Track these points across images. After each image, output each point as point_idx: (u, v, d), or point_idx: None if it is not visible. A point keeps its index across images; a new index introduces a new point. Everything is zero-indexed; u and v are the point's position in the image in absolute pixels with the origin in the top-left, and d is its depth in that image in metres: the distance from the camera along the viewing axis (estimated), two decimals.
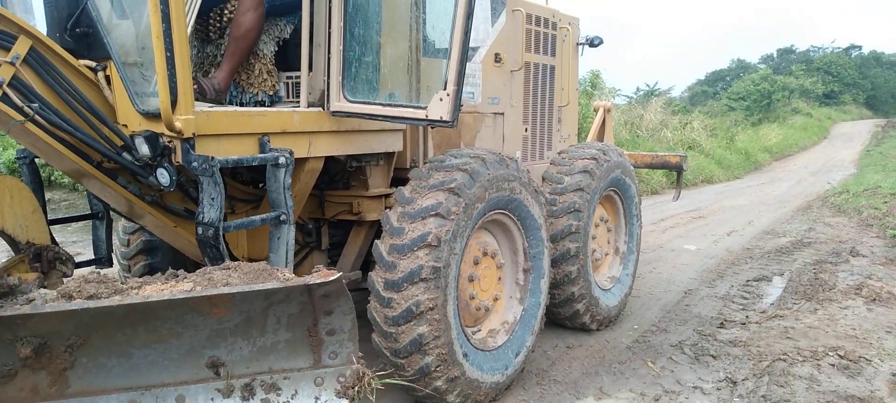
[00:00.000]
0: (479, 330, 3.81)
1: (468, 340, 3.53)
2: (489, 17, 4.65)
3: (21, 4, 3.44)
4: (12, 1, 3.45)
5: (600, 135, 6.46)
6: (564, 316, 4.67)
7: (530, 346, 3.96)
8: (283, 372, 2.31)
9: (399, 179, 3.87)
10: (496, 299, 3.90)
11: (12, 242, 2.41)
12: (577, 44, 5.70)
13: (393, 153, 3.85)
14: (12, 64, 2.54)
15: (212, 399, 2.24)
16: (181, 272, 2.23)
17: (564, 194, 4.49)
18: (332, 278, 2.13)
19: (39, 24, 3.07)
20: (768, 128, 27.38)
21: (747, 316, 5.39)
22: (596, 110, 6.60)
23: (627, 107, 20.60)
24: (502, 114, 4.82)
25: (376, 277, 3.23)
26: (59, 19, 2.92)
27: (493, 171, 3.54)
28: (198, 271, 2.22)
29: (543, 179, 4.69)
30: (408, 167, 3.99)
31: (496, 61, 4.66)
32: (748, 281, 6.60)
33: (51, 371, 2.12)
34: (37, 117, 2.61)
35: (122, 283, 2.11)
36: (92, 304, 2.00)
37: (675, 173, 7.32)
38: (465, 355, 3.44)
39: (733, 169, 18.22)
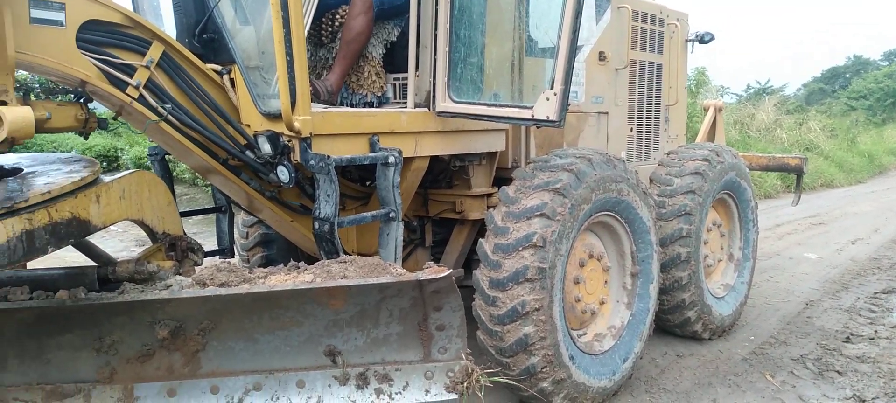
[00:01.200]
0: (585, 334, 3.73)
1: (574, 343, 3.46)
2: (593, 15, 4.56)
3: (152, 11, 3.73)
4: (144, 8, 3.76)
5: (711, 136, 6.16)
6: (675, 323, 4.49)
7: (638, 352, 3.84)
8: (394, 364, 2.36)
9: (501, 179, 3.87)
10: (602, 303, 3.80)
11: (150, 232, 2.60)
12: (686, 40, 5.47)
13: (495, 153, 3.85)
14: (147, 67, 2.74)
15: (329, 386, 2.32)
16: (302, 264, 2.33)
17: (674, 197, 4.32)
18: (442, 274, 2.16)
19: (169, 30, 3.32)
20: (894, 129, 25.12)
21: (876, 331, 4.97)
22: (706, 109, 6.31)
23: (737, 105, 19.54)
24: (606, 113, 4.71)
25: (481, 275, 3.24)
26: (187, 25, 3.14)
27: (599, 172, 3.46)
28: (317, 264, 2.32)
29: (651, 181, 4.53)
30: (510, 167, 3.97)
31: (600, 59, 4.56)
32: (876, 293, 6.07)
33: (184, 352, 2.28)
34: (170, 117, 2.80)
35: (250, 273, 2.23)
36: (223, 291, 2.13)
37: (794, 176, 6.87)
38: (572, 357, 3.38)
39: (856, 172, 16.86)
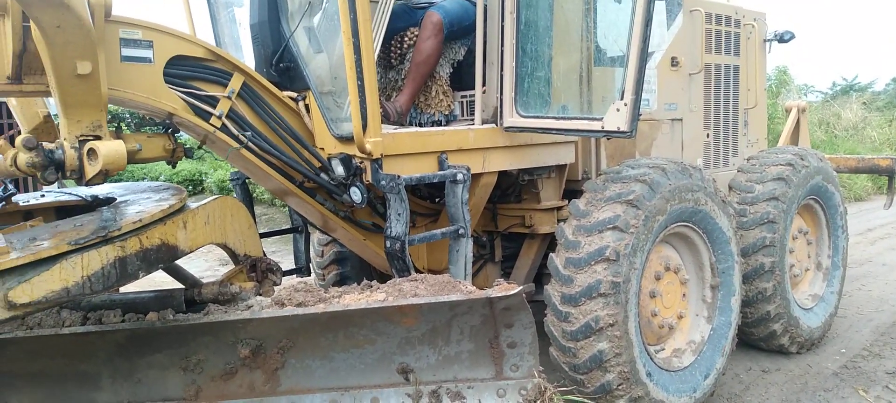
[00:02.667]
0: (663, 349, 3.62)
1: (651, 359, 3.37)
2: (664, 20, 4.46)
3: (232, 43, 3.93)
4: (225, 41, 3.96)
5: (794, 138, 5.88)
6: (759, 336, 4.29)
7: (721, 368, 3.69)
8: (466, 382, 2.37)
9: (571, 192, 3.83)
10: (681, 317, 3.68)
11: (232, 254, 2.73)
12: (765, 40, 5.25)
13: (565, 165, 3.82)
14: (229, 98, 2.89)
15: None
16: (375, 283, 2.39)
17: (756, 204, 4.14)
18: (512, 291, 2.16)
19: (248, 61, 3.49)
20: None
21: None
22: (788, 110, 6.02)
23: (821, 105, 18.48)
24: (680, 120, 4.58)
25: (553, 291, 3.20)
26: (265, 56, 3.28)
27: (674, 182, 3.36)
28: (389, 282, 2.37)
29: (731, 188, 4.37)
30: (580, 179, 3.93)
31: (673, 65, 4.44)
32: None
33: (265, 370, 2.38)
34: (250, 144, 2.94)
35: (325, 293, 2.31)
36: (300, 311, 2.21)
37: (886, 178, 6.44)
38: (649, 374, 3.29)
39: None
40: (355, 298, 2.22)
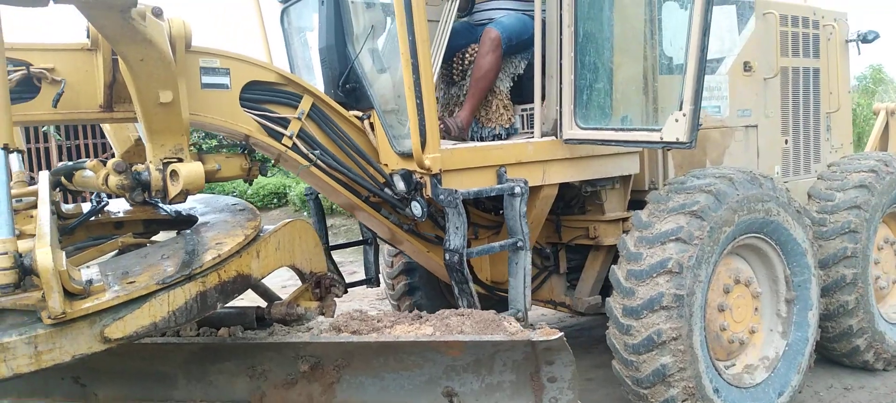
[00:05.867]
0: (733, 365, 3.51)
1: (719, 375, 3.28)
2: (735, 25, 4.34)
3: (305, 66, 4.14)
4: (298, 64, 4.18)
5: (883, 143, 5.53)
6: (841, 352, 4.07)
7: (796, 386, 3.54)
8: None
9: (638, 202, 3.78)
10: (753, 332, 3.56)
11: (299, 273, 2.91)
12: (847, 41, 5.00)
13: (629, 176, 3.78)
14: (299, 119, 3.07)
15: None
16: (425, 314, 2.51)
17: (836, 213, 3.95)
18: (554, 337, 2.25)
19: (319, 83, 3.68)
20: None
21: None
22: (876, 113, 5.68)
23: None
24: (755, 126, 4.43)
25: (615, 303, 3.19)
26: (332, 78, 3.46)
27: (742, 192, 3.27)
28: (437, 314, 2.49)
29: (810, 197, 4.18)
30: (647, 189, 3.87)
31: (746, 70, 4.31)
32: None
33: (322, 383, 2.54)
34: (318, 162, 3.10)
35: (378, 322, 2.46)
36: (354, 339, 2.40)
37: None
38: (717, 390, 3.20)
39: None
40: (405, 329, 2.37)
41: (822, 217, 3.96)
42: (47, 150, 11.70)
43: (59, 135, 11.71)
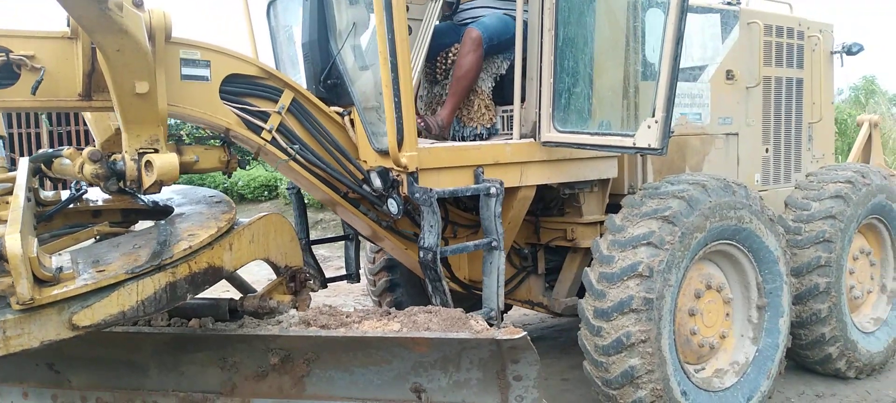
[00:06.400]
0: (703, 369, 3.56)
1: (688, 378, 3.33)
2: (719, 33, 4.38)
3: (290, 62, 4.17)
4: (284, 59, 4.21)
5: (866, 154, 5.59)
6: (813, 360, 4.13)
7: (766, 391, 3.59)
8: None
9: (617, 206, 3.82)
10: (723, 337, 3.61)
11: (274, 267, 2.94)
12: (832, 52, 5.05)
13: (607, 179, 3.82)
14: (279, 113, 3.09)
15: None
16: (393, 311, 2.54)
17: (811, 222, 4.00)
18: (518, 336, 2.28)
19: (302, 79, 3.70)
20: None
21: None
22: (860, 124, 5.73)
23: None
24: (736, 134, 4.48)
25: (586, 305, 3.23)
26: (314, 73, 3.48)
27: (715, 199, 3.32)
28: (405, 311, 2.52)
29: (787, 205, 4.23)
30: (625, 193, 3.91)
31: (728, 78, 4.36)
32: None
33: (292, 376, 2.57)
34: (297, 157, 3.13)
35: (347, 317, 2.49)
36: (323, 333, 2.42)
37: None
38: (685, 393, 3.25)
39: None
40: (373, 325, 2.40)
41: (797, 225, 4.02)
42: (38, 135, 11.70)
43: (50, 123, 11.70)
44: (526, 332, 2.31)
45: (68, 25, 2.52)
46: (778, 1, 4.90)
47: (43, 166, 2.99)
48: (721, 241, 3.42)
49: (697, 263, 3.42)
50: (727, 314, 3.61)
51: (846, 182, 4.10)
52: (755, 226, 3.48)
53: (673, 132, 3.32)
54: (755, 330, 3.65)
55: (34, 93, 2.50)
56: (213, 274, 2.49)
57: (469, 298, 3.91)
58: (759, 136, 4.62)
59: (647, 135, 2.97)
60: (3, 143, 3.15)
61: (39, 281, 2.05)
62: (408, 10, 3.71)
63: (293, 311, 2.63)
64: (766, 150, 4.68)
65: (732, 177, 4.31)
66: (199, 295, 2.54)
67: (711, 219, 3.29)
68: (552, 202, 3.95)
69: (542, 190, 3.66)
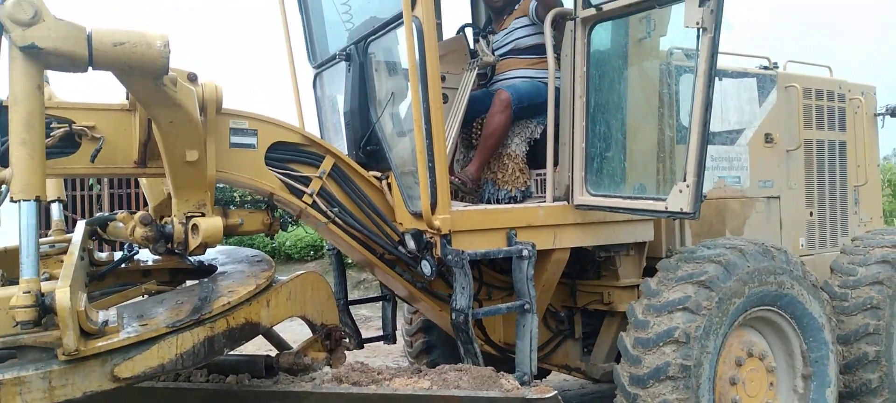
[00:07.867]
0: None
1: None
2: (756, 97, 4.40)
3: (334, 129, 4.35)
4: (328, 126, 4.39)
5: None
6: None
7: None
8: None
9: (653, 269, 3.79)
10: None
11: (310, 325, 3.01)
12: (875, 114, 4.98)
13: (644, 243, 3.81)
14: (320, 178, 3.23)
15: None
16: (424, 368, 2.58)
17: (858, 288, 3.88)
18: (548, 395, 2.29)
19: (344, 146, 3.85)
20: None
21: None
22: None
23: None
24: (778, 197, 4.43)
25: (622, 371, 3.19)
26: (355, 140, 3.63)
27: (753, 264, 3.27)
28: (436, 369, 2.55)
29: (832, 270, 4.12)
30: (664, 256, 3.88)
31: (767, 141, 4.34)
32: None
33: None
34: (336, 219, 3.24)
35: (378, 374, 2.53)
36: (354, 390, 2.48)
37: None
38: None
39: None
40: (403, 383, 2.45)
41: (843, 291, 3.90)
42: (95, 197, 12.25)
43: (99, 185, 12.26)
44: (556, 391, 2.31)
45: (127, 98, 2.73)
46: (818, 65, 4.90)
47: (98, 229, 3.18)
48: (762, 307, 3.35)
49: (737, 330, 3.35)
50: (771, 383, 3.49)
51: (893, 246, 3.99)
52: (797, 292, 3.40)
53: (705, 196, 3.31)
54: (801, 400, 3.51)
55: (93, 161, 2.69)
56: (250, 330, 2.57)
57: (504, 361, 3.88)
58: (802, 200, 4.54)
59: (678, 200, 2.98)
60: (63, 206, 3.38)
61: (86, 334, 2.17)
62: (444, 79, 3.90)
63: (327, 368, 2.68)
64: (811, 214, 4.59)
65: (775, 240, 4.25)
66: (237, 352, 2.62)
67: (750, 285, 3.24)
68: (588, 265, 3.94)
69: (577, 252, 3.67)
